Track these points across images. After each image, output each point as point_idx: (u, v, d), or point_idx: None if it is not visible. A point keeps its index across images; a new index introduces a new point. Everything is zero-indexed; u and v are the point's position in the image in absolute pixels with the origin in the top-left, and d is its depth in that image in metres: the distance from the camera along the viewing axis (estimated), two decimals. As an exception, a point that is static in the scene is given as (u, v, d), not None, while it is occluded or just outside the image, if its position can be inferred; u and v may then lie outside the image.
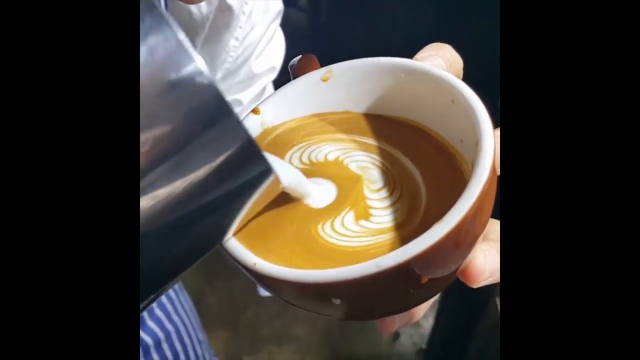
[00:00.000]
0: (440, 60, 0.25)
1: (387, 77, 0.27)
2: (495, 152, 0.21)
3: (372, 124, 0.29)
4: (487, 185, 0.20)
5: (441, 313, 1.30)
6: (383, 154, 0.27)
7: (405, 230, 0.23)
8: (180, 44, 0.17)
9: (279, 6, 0.52)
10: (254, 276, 0.23)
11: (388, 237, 0.23)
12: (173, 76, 0.17)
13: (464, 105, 0.23)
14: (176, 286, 0.60)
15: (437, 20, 1.82)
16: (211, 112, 0.18)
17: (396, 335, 1.54)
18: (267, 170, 0.20)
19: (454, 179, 0.24)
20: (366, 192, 0.25)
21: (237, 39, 0.48)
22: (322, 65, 0.30)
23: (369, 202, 0.25)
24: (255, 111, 0.29)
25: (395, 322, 0.27)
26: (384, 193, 0.25)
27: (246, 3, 0.46)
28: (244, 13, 0.47)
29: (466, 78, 0.29)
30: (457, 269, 0.22)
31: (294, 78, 0.30)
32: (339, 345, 1.54)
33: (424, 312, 0.28)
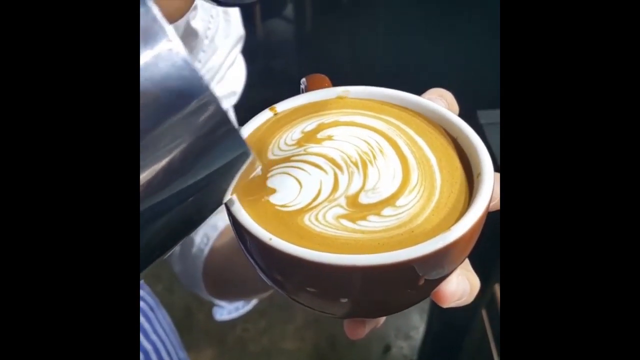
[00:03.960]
0: (444, 103, 0.29)
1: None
2: (493, 189, 0.24)
3: (394, 109, 0.30)
4: (485, 212, 0.23)
5: (430, 325, 1.29)
6: (402, 134, 0.28)
7: (416, 225, 0.24)
8: (154, 19, 0.17)
9: (240, 32, 0.52)
10: (267, 254, 0.23)
11: (400, 230, 0.23)
12: (148, 53, 0.17)
13: (467, 144, 0.27)
14: (153, 304, 0.58)
15: (416, 28, 1.85)
16: (186, 88, 0.18)
17: (387, 348, 1.53)
18: (243, 150, 0.21)
19: (465, 175, 0.26)
20: (384, 178, 0.26)
21: (199, 61, 0.48)
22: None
23: (388, 190, 0.25)
24: (272, 109, 0.30)
25: (365, 328, 0.28)
26: (399, 176, 0.26)
27: (209, 28, 0.47)
28: (207, 37, 0.47)
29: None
30: (439, 281, 0.25)
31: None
32: (329, 359, 1.53)
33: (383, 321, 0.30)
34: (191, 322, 1.61)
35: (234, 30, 0.51)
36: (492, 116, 0.73)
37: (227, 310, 1.63)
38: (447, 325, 1.07)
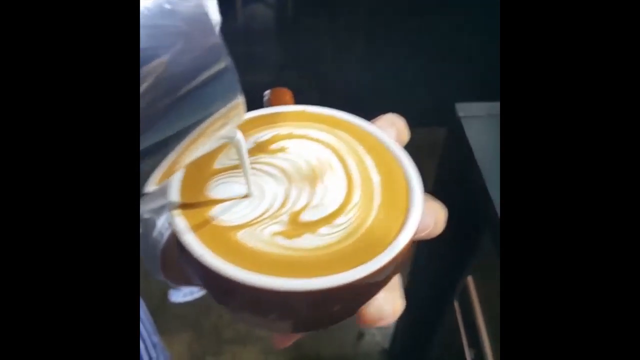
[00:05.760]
0: (394, 132, 0.29)
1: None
2: (418, 224, 0.24)
3: (349, 125, 0.30)
4: (408, 245, 0.23)
5: (403, 314, 1.31)
6: (352, 153, 0.28)
7: (347, 245, 0.24)
8: None
9: (216, 17, 0.51)
10: (195, 265, 0.23)
11: (330, 250, 0.23)
12: None
13: (405, 177, 0.26)
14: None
15: (395, 17, 1.86)
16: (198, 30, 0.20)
17: (360, 335, 1.55)
18: (235, 92, 0.21)
19: (400, 199, 0.25)
20: (323, 195, 0.25)
21: None
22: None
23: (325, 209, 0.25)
24: None
25: (290, 339, 0.29)
26: (342, 193, 0.25)
27: None
28: None
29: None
30: (362, 303, 0.25)
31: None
32: (304, 345, 1.54)
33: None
34: (166, 308, 1.60)
35: (211, 16, 0.50)
36: (469, 109, 0.74)
37: (182, 294, 1.63)
38: (420, 315, 1.09)
